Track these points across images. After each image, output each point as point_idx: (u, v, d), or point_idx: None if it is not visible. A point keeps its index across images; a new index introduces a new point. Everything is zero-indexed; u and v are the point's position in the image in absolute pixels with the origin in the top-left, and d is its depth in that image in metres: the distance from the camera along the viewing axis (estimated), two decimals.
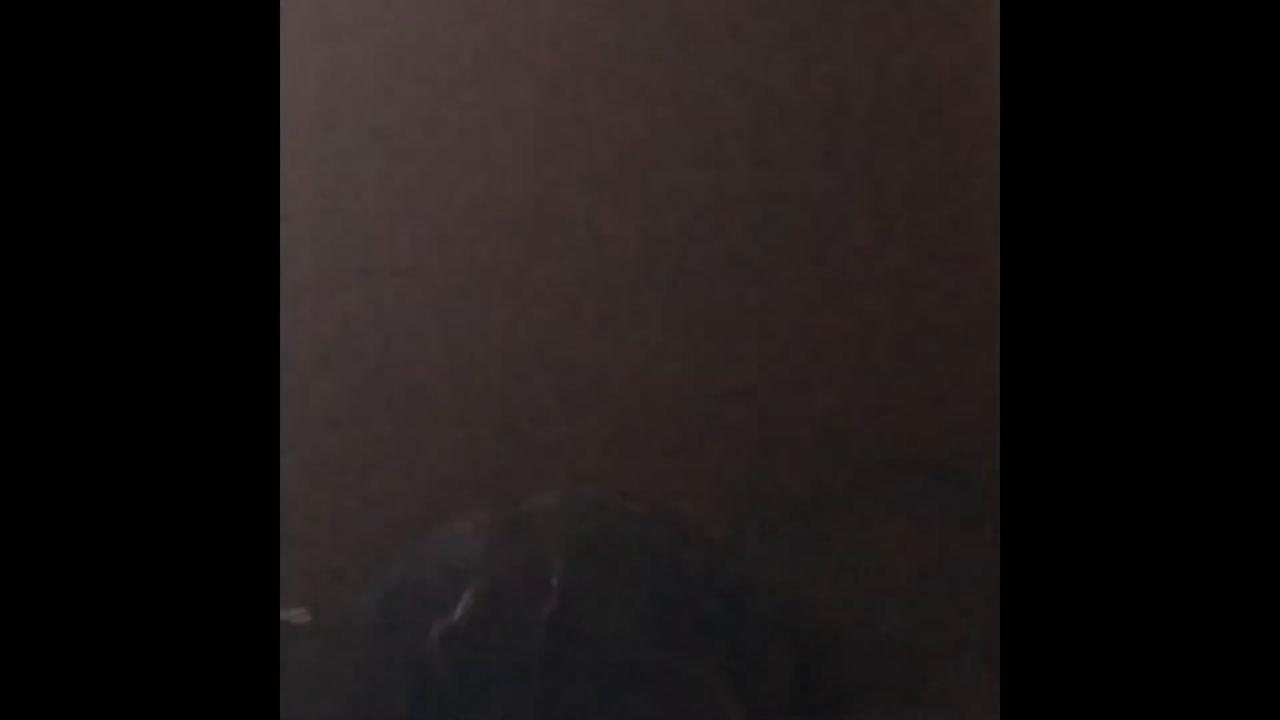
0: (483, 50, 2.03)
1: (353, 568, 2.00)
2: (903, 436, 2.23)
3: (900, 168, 2.21)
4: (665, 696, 1.60)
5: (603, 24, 2.07)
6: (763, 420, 2.21)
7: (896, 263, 2.24)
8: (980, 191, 2.21)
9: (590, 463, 2.11)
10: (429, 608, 1.68)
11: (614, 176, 2.12)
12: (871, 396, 2.24)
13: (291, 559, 2.02)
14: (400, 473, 2.09)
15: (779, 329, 2.21)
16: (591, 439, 2.10)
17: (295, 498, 2.07)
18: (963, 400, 2.20)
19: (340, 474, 2.10)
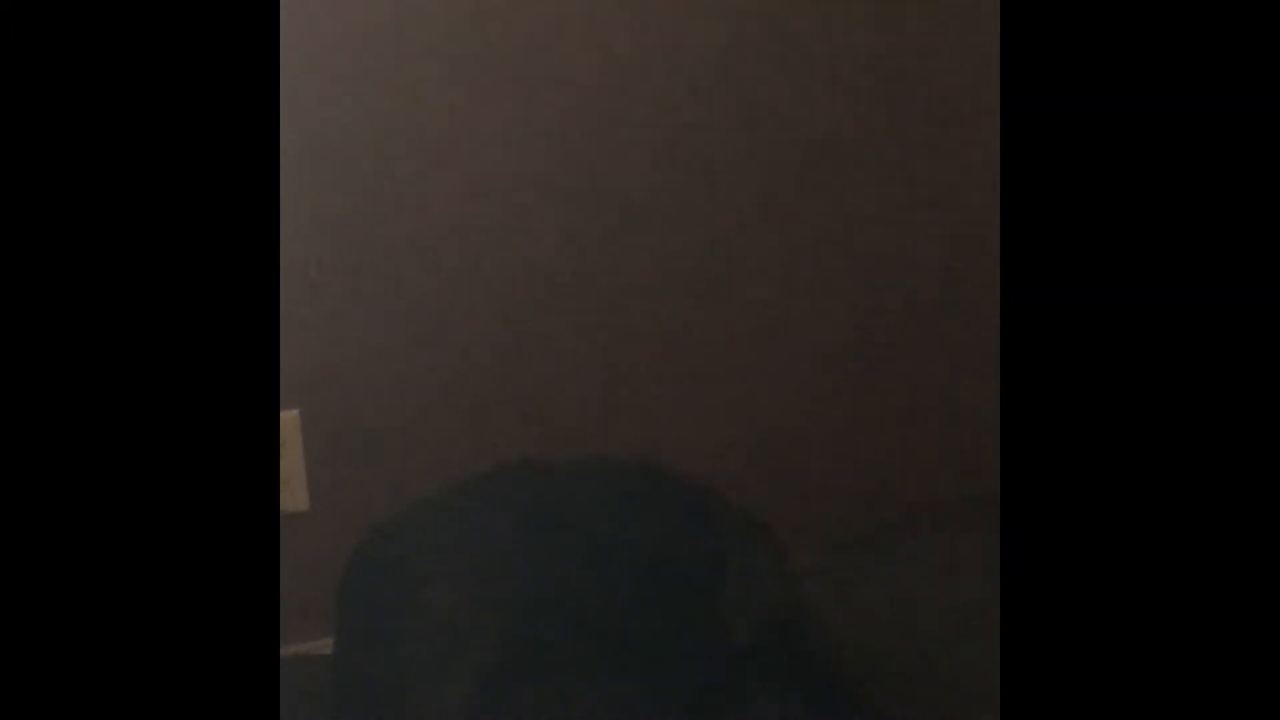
0: (480, 50, 2.03)
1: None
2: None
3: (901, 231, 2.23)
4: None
5: (605, 29, 2.07)
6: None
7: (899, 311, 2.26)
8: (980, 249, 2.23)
9: None
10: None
11: (612, 187, 2.13)
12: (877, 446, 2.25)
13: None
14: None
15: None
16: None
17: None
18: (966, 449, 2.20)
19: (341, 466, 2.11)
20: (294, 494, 2.06)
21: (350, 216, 2.01)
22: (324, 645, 2.04)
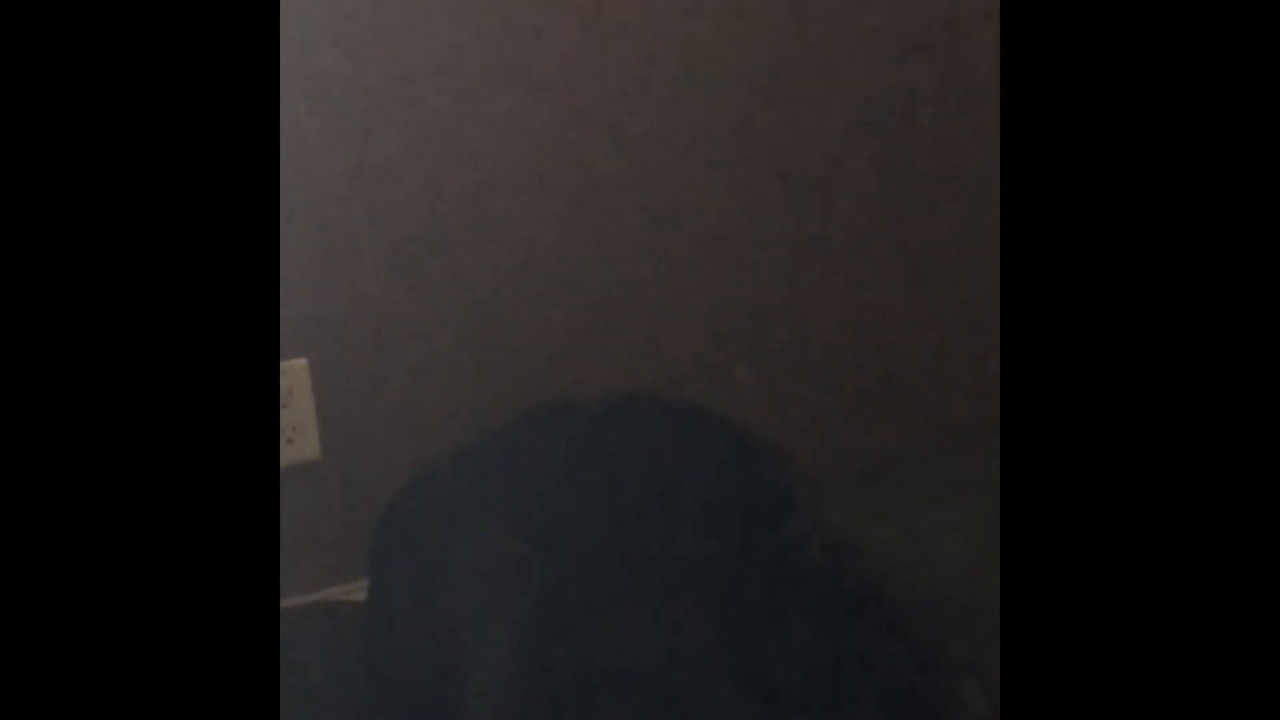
0: (482, 50, 2.03)
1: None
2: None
3: (907, 151, 2.23)
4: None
5: (606, 28, 2.07)
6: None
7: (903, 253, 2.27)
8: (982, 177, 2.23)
9: None
10: None
11: (617, 176, 2.12)
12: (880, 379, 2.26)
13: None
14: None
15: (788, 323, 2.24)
16: None
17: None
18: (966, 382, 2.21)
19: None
20: (305, 442, 2.06)
21: (362, 159, 2.01)
22: (339, 592, 2.06)
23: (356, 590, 2.04)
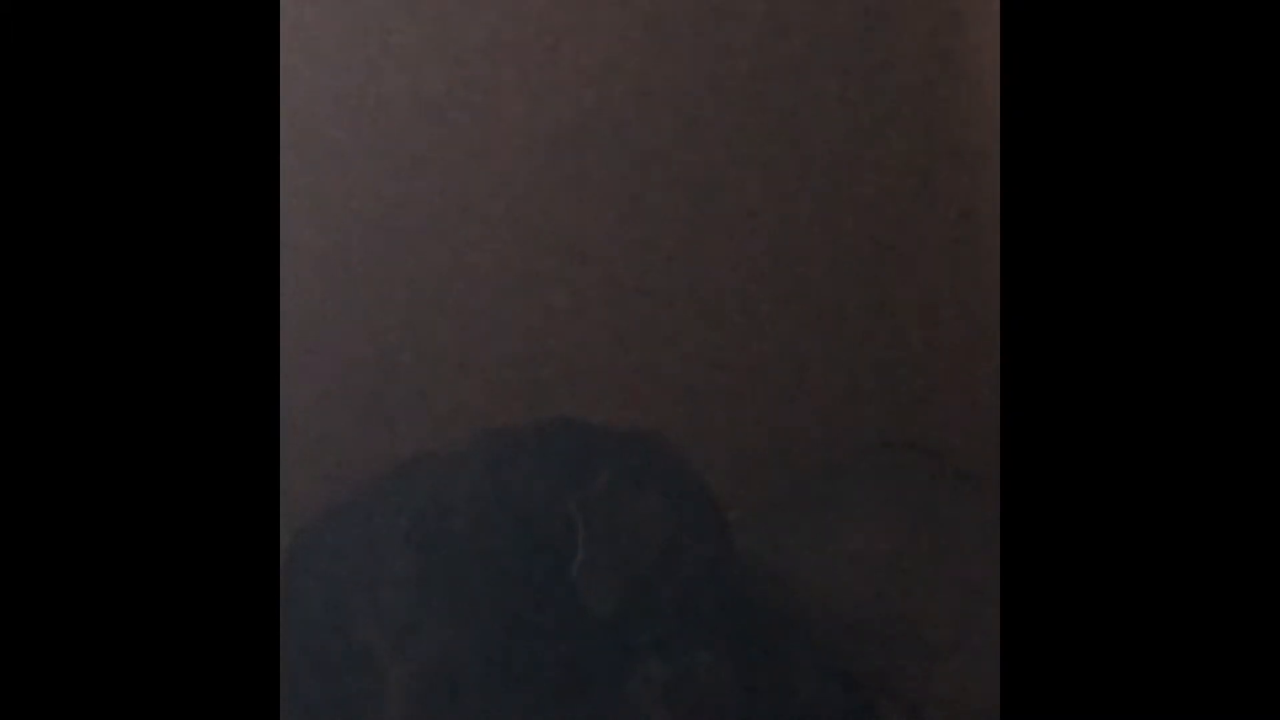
0: (483, 51, 2.04)
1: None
2: (902, 419, 2.23)
3: (902, 151, 2.22)
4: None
5: (606, 25, 2.08)
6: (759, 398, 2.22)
7: (898, 241, 2.28)
8: (981, 179, 2.23)
9: None
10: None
11: (619, 176, 2.13)
12: (870, 377, 2.24)
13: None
14: None
15: (775, 306, 2.23)
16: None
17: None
18: (964, 385, 2.20)
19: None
20: None
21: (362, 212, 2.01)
22: None
23: None
